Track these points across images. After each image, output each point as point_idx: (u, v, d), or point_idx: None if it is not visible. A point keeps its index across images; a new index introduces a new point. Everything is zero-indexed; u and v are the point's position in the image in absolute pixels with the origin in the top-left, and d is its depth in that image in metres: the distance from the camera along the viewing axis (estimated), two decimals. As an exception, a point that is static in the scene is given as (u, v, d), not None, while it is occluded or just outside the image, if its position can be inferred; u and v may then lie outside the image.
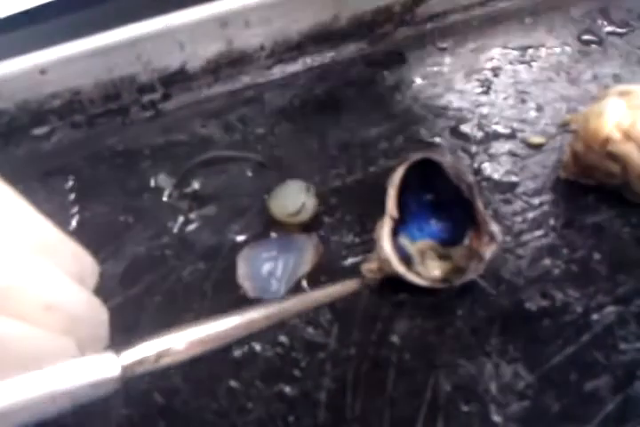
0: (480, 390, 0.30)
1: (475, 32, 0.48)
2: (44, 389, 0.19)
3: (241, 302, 0.34)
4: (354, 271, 0.34)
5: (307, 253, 0.35)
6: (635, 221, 0.36)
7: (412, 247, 0.34)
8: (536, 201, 0.37)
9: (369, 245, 0.35)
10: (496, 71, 0.45)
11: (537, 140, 0.40)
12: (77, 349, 0.22)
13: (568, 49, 0.46)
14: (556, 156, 0.39)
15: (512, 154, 0.40)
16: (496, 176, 0.39)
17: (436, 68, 0.45)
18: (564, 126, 0.41)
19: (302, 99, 0.45)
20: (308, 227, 0.37)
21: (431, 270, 0.33)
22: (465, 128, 0.41)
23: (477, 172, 0.39)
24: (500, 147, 0.40)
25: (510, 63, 0.45)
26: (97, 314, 0.25)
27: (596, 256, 0.35)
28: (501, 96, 0.43)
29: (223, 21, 0.44)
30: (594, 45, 0.46)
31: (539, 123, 0.41)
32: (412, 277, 0.32)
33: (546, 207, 0.37)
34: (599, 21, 0.48)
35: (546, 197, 0.37)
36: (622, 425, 0.29)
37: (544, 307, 0.33)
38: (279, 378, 0.31)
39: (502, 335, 0.32)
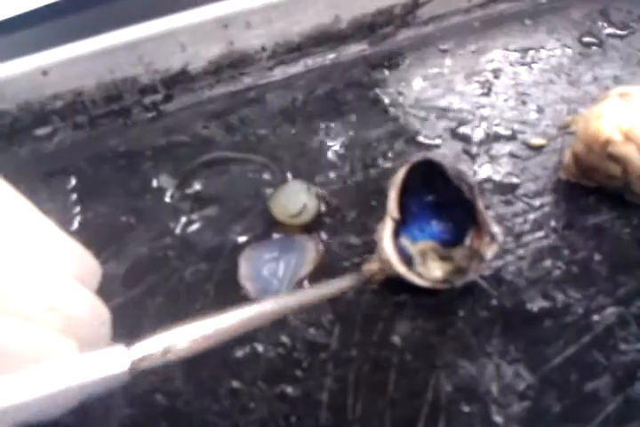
0: (481, 391, 0.30)
1: (475, 34, 0.48)
2: (54, 383, 0.19)
3: (243, 302, 0.34)
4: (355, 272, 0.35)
5: (308, 254, 0.35)
6: (635, 222, 0.36)
7: (413, 248, 0.34)
8: (537, 202, 0.37)
9: (370, 246, 0.36)
10: (496, 73, 0.45)
11: (537, 141, 0.40)
12: (78, 349, 0.22)
13: (568, 51, 0.46)
14: (557, 157, 0.39)
15: (513, 155, 0.40)
16: (497, 178, 0.39)
17: (436, 70, 0.46)
18: (564, 128, 0.41)
19: (303, 100, 0.45)
20: (309, 228, 0.37)
21: (432, 271, 0.33)
22: (465, 129, 0.42)
23: (478, 173, 0.39)
24: (501, 148, 0.40)
25: (511, 65, 0.45)
26: (99, 314, 0.25)
27: (597, 257, 0.35)
28: (502, 98, 0.43)
29: (225, 23, 0.44)
30: (594, 47, 0.46)
31: (539, 124, 0.41)
32: (413, 278, 0.32)
33: (546, 209, 0.37)
34: (599, 23, 0.48)
35: (546, 199, 0.37)
36: (623, 425, 0.29)
37: (545, 308, 0.33)
38: (281, 378, 0.31)
39: (503, 336, 0.32)
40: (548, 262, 0.35)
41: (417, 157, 0.34)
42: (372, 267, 0.33)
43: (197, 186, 0.40)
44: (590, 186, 0.37)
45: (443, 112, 0.43)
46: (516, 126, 0.41)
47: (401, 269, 0.32)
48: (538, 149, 0.40)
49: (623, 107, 0.34)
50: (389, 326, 0.33)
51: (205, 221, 0.38)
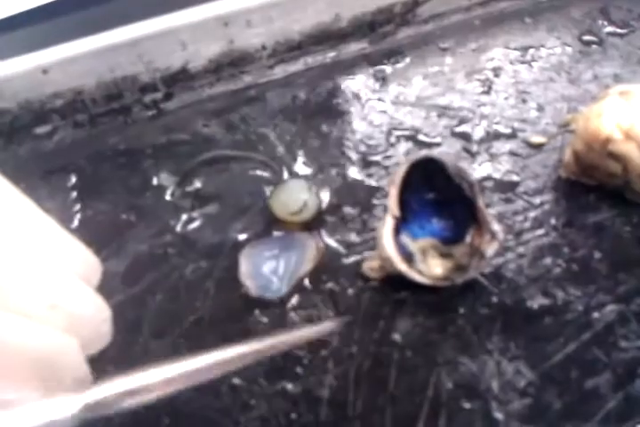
0: (482, 388, 0.30)
1: (475, 32, 0.48)
2: None
3: (243, 300, 0.34)
4: (355, 269, 0.35)
5: (308, 252, 0.35)
6: (635, 220, 0.36)
7: (413, 246, 0.34)
8: (537, 200, 0.37)
9: (370, 244, 0.36)
10: (497, 71, 0.45)
11: (538, 139, 0.40)
12: (80, 347, 0.22)
13: (569, 49, 0.46)
14: (557, 155, 0.39)
15: (513, 153, 0.40)
16: (497, 175, 0.39)
17: (436, 68, 0.46)
18: (564, 126, 0.41)
19: (304, 98, 0.45)
20: (309, 225, 0.37)
21: (433, 269, 0.33)
22: (466, 128, 0.42)
23: (478, 171, 0.39)
24: (501, 146, 0.40)
25: (511, 63, 0.45)
26: (99, 312, 0.25)
27: (597, 255, 0.35)
28: (502, 96, 0.43)
29: (225, 21, 0.44)
30: (594, 45, 0.46)
31: (539, 122, 0.41)
32: (413, 276, 0.32)
33: (547, 206, 0.37)
34: (599, 22, 0.48)
35: (547, 197, 0.38)
36: (623, 423, 0.29)
37: (545, 305, 0.33)
38: (282, 376, 0.31)
39: (504, 333, 0.32)
40: (548, 260, 0.35)
41: (417, 154, 0.34)
42: (372, 264, 0.33)
43: (198, 184, 0.40)
44: (590, 184, 0.37)
45: (443, 110, 0.43)
46: (516, 124, 0.41)
47: (401, 266, 0.32)
48: (538, 147, 0.40)
49: (623, 105, 0.34)
50: (390, 323, 0.33)
51: (206, 218, 0.38)
